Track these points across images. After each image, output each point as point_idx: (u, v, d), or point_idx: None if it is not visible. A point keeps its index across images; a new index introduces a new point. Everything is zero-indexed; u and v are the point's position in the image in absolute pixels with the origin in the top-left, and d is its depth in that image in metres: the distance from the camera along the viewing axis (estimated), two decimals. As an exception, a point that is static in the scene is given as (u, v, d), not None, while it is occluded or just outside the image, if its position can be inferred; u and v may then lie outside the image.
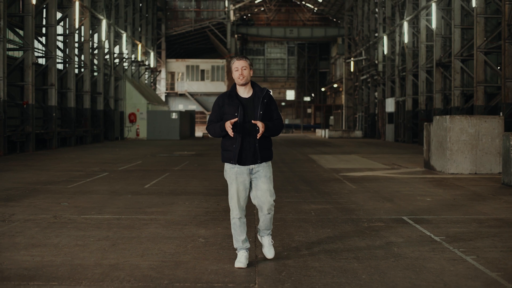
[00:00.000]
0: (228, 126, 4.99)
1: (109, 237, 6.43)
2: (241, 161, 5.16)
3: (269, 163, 5.34)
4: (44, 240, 6.24)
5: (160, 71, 59.64)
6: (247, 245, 5.25)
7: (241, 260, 5.15)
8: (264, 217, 5.31)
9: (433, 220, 7.65)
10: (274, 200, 5.28)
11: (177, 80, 65.18)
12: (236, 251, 5.30)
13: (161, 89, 62.68)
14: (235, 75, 5.16)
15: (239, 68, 5.15)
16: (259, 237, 5.50)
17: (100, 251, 5.76)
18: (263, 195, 5.21)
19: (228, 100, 5.18)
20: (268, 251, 5.41)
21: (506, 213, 8.28)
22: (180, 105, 64.40)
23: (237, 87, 5.25)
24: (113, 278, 4.78)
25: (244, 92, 5.23)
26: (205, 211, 8.38)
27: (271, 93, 5.31)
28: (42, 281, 4.70)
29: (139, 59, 46.31)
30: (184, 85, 65.11)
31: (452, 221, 7.55)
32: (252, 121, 5.07)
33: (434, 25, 29.49)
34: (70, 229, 6.87)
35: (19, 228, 6.90)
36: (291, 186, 11.47)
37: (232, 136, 5.04)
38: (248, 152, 5.15)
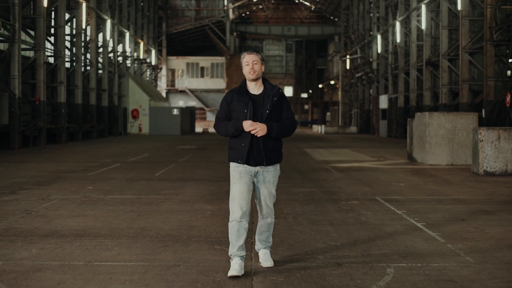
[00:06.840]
0: (250, 124, 4.76)
1: (134, 210, 7.95)
2: (248, 161, 4.86)
3: (277, 166, 5.01)
4: (83, 212, 7.76)
5: (161, 68, 61.14)
6: (243, 253, 4.83)
7: (235, 268, 4.73)
8: (263, 222, 5.07)
9: (401, 199, 9.18)
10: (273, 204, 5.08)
11: (178, 77, 66.79)
12: (230, 260, 4.88)
13: (162, 85, 64.27)
14: (246, 69, 4.86)
15: (250, 62, 4.85)
16: (256, 249, 5.25)
17: (129, 219, 7.28)
18: (264, 198, 4.98)
19: (237, 96, 4.88)
20: (265, 261, 5.08)
21: (464, 195, 9.81)
22: (180, 102, 65.96)
23: (247, 82, 4.95)
24: (144, 236, 6.31)
25: (255, 88, 4.93)
26: (210, 193, 9.91)
27: (282, 91, 5.00)
28: (91, 237, 6.22)
29: (141, 57, 47.81)
30: (184, 82, 66.72)
31: (416, 201, 9.09)
32: (251, 122, 4.76)
33: (424, 26, 30.98)
34: (100, 205, 8.40)
35: (58, 204, 8.42)
36: (284, 175, 12.95)
37: (248, 131, 4.79)
38: (255, 152, 4.85)
